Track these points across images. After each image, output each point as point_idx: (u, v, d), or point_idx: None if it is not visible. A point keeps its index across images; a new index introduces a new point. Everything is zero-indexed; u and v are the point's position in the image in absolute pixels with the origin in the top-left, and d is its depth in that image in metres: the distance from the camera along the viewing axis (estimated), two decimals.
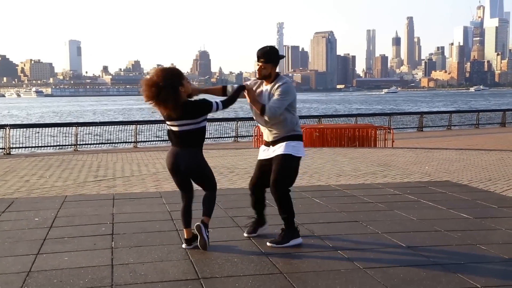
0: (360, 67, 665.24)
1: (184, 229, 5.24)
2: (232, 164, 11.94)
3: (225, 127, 25.07)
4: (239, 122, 24.58)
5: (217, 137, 23.99)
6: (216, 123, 24.12)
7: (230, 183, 9.38)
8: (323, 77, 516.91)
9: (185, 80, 5.02)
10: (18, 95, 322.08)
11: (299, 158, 5.32)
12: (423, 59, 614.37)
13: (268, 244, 5.27)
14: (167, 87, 4.82)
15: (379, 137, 18.75)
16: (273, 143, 5.31)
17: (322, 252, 5.11)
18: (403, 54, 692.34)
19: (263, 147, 5.51)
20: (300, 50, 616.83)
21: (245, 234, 5.63)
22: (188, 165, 5.07)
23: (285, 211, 5.27)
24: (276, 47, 5.65)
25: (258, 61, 5.19)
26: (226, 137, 24.42)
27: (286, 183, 5.24)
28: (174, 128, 5.02)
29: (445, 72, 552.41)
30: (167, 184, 9.20)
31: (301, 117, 30.59)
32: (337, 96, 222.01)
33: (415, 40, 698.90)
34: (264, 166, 5.40)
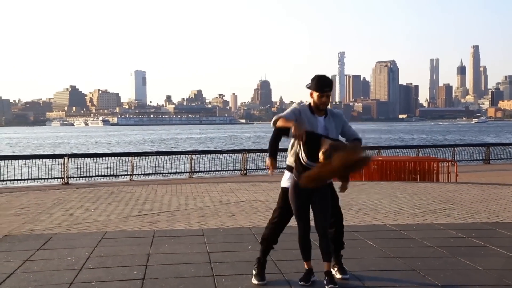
0: (423, 97, 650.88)
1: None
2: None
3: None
4: None
5: None
6: None
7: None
8: (385, 106, 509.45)
9: None
10: (86, 124, 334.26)
11: None
12: (490, 89, 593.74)
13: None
14: None
15: (442, 170, 17.73)
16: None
17: None
18: (468, 83, 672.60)
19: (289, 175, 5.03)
20: (361, 79, 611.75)
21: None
22: None
23: None
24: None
25: (323, 92, 4.83)
26: None
27: None
28: None
29: None
30: (212, 220, 8.76)
31: None
32: (407, 126, 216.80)
33: (481, 69, 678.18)
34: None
